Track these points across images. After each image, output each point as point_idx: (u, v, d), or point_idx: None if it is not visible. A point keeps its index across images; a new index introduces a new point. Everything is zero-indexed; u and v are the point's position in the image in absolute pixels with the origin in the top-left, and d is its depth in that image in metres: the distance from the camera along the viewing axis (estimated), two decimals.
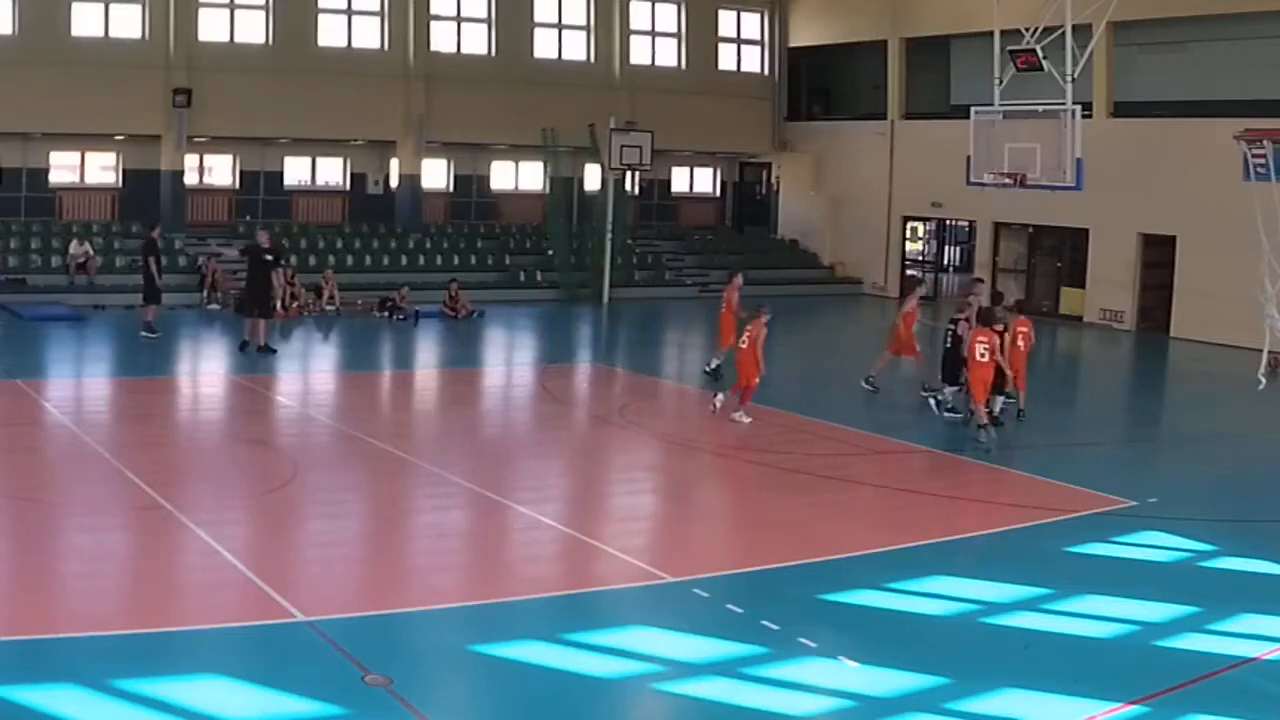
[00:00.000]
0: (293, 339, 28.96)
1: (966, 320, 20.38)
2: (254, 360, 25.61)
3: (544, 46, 41.77)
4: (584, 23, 42.34)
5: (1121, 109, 35.64)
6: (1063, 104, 27.05)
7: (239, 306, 29.54)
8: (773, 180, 46.86)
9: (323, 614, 11.38)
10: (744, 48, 45.75)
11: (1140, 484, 17.44)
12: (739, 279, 24.88)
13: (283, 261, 30.20)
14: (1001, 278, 39.70)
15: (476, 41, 40.74)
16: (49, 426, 19.46)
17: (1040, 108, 28.03)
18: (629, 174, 39.77)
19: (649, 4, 43.72)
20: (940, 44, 40.76)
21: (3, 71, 33.00)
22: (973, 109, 29.64)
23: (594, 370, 28.25)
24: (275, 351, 26.68)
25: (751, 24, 45.77)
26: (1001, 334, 19.62)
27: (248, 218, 38.38)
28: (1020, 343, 20.45)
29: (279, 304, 29.88)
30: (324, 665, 10.40)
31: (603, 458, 19.38)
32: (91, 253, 33.82)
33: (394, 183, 40.13)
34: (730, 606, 12.03)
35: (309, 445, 19.31)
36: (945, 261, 45.78)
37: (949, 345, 21.15)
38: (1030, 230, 39.09)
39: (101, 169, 37.57)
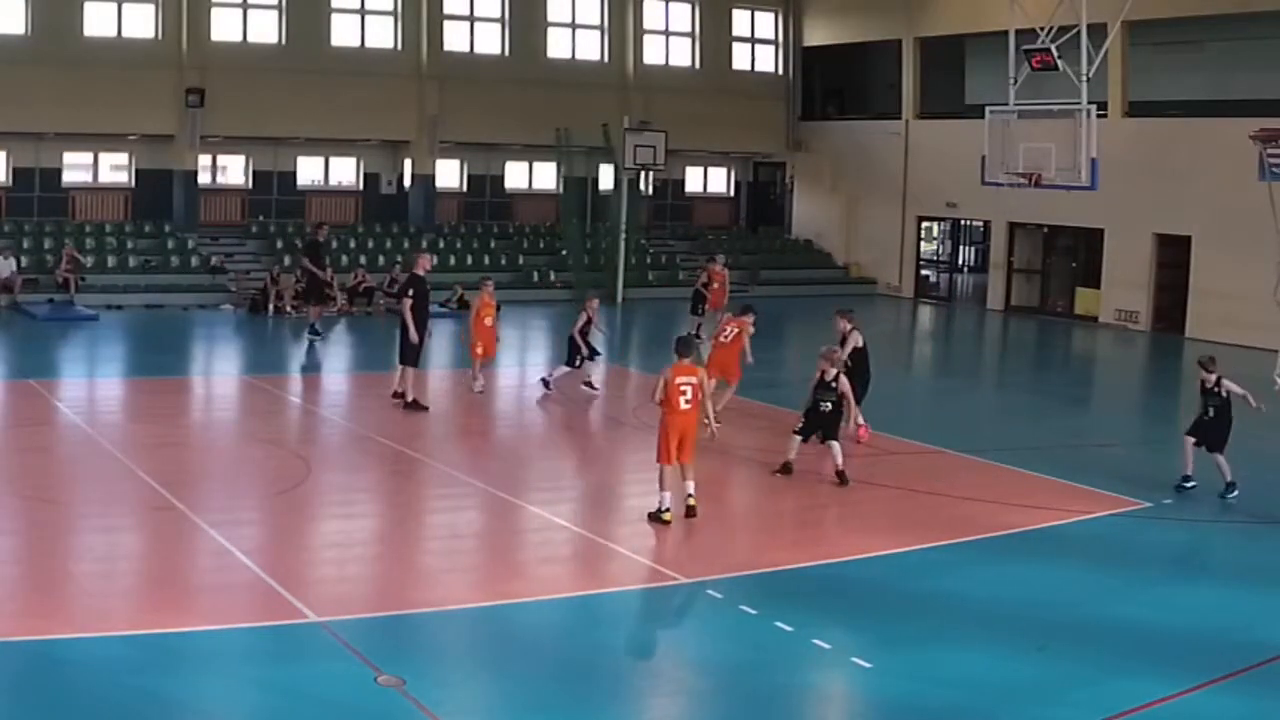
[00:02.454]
0: (305, 337, 28.85)
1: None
2: (274, 357, 25.63)
3: (557, 46, 41.75)
4: (598, 22, 42.31)
5: (1136, 108, 35.51)
6: (1078, 103, 26.98)
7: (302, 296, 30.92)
8: (787, 180, 46.77)
9: (335, 614, 11.36)
10: (758, 47, 45.68)
11: (1156, 485, 17.35)
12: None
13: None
14: (1016, 278, 39.65)
15: (490, 41, 40.72)
16: (62, 426, 19.46)
17: (1055, 107, 27.97)
18: (643, 174, 39.72)
19: (663, 4, 43.67)
20: (955, 43, 40.65)
21: (15, 72, 33.03)
22: (988, 108, 29.60)
23: (608, 370, 28.17)
24: (320, 334, 28.22)
25: (765, 23, 45.70)
26: None
27: (261, 218, 38.45)
28: None
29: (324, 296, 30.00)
30: (336, 666, 10.38)
31: (616, 458, 19.34)
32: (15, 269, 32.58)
33: (407, 183, 40.13)
34: (744, 608, 11.98)
35: (322, 445, 19.31)
36: (960, 262, 45.73)
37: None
38: (1045, 230, 38.99)
39: (114, 169, 37.60)
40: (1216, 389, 17.24)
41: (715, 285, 31.24)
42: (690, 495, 14.91)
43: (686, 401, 14.83)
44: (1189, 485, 17.16)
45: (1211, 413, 17.23)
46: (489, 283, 23.55)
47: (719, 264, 32.07)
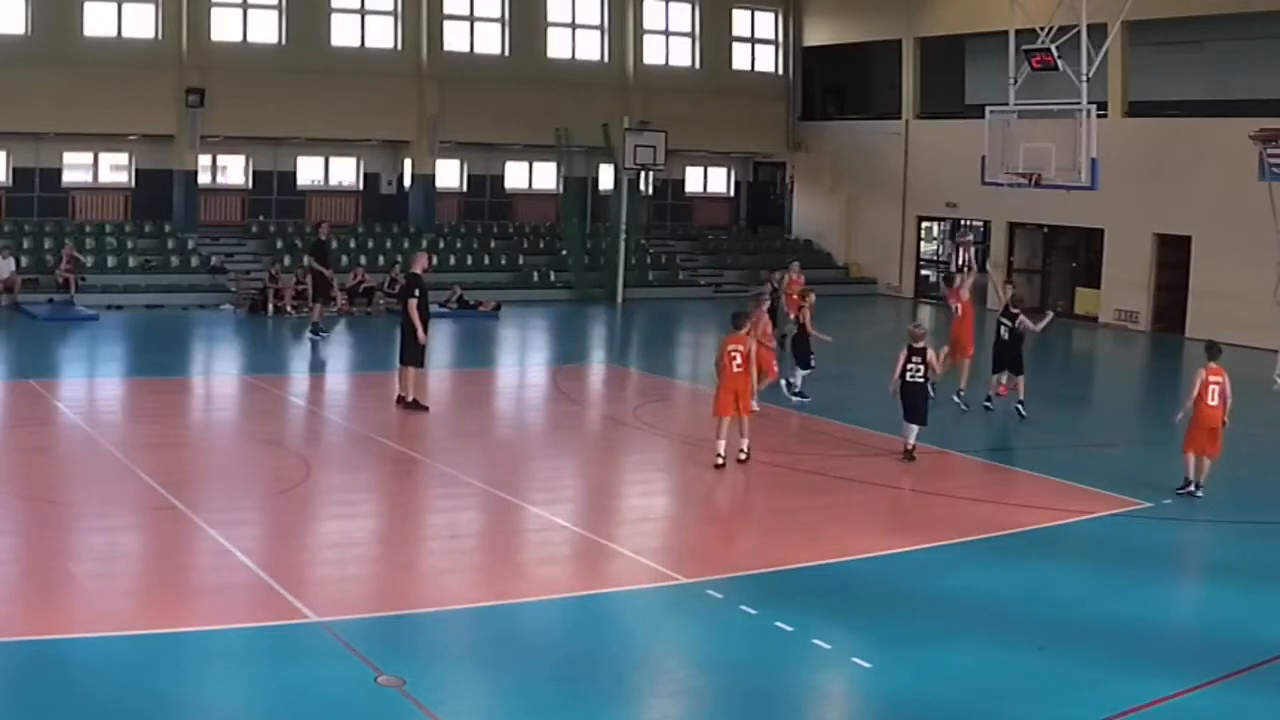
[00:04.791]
0: (306, 337, 28.80)
1: None
2: (274, 357, 25.62)
3: (557, 46, 41.73)
4: (597, 22, 42.30)
5: (1136, 108, 35.51)
6: (1078, 103, 26.94)
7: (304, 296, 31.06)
8: (787, 180, 46.77)
9: (335, 614, 11.36)
10: (758, 47, 45.67)
11: (1156, 486, 17.34)
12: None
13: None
14: (1016, 278, 39.61)
15: (490, 41, 40.71)
16: (62, 426, 19.45)
17: (1055, 107, 27.94)
18: (643, 174, 39.71)
19: (663, 3, 43.64)
20: (955, 43, 40.65)
21: (15, 72, 33.01)
22: (987, 108, 29.56)
23: (608, 370, 28.20)
24: (323, 333, 28.35)
25: (765, 23, 45.70)
26: None
27: (261, 218, 38.46)
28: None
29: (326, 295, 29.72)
30: (337, 666, 10.38)
31: (616, 458, 19.33)
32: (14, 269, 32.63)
33: (407, 183, 40.11)
34: (744, 608, 11.98)
35: (322, 445, 19.30)
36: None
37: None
38: (1045, 230, 38.99)
39: (114, 169, 37.56)
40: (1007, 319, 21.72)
41: (795, 294, 27.88)
42: (742, 450, 17.68)
43: (737, 366, 17.42)
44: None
45: (1006, 336, 21.80)
46: (765, 302, 22.37)
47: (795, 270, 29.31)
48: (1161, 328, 35.09)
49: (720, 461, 17.36)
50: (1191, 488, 16.73)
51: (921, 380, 18.31)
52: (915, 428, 18.37)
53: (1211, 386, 16.78)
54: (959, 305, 22.91)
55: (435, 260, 28.95)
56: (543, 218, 42.33)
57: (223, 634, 10.99)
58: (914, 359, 18.28)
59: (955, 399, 22.17)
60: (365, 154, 40.33)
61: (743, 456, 17.69)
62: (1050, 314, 23.85)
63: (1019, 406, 21.75)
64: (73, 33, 34.50)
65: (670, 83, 42.76)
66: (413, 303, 20.78)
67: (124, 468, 16.42)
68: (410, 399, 20.81)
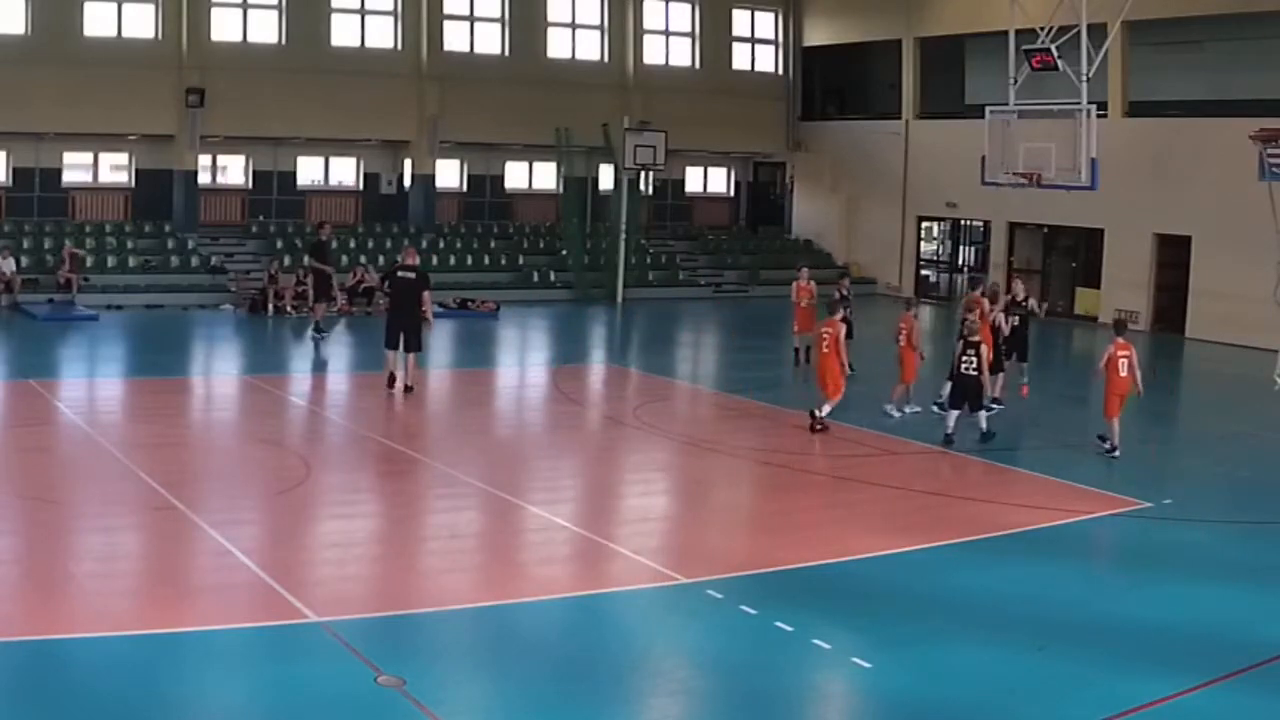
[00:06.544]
0: (307, 337, 28.79)
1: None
2: (274, 357, 25.63)
3: (557, 46, 41.75)
4: (598, 22, 42.31)
5: (1137, 108, 35.51)
6: (1078, 103, 26.95)
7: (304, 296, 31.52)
8: (787, 180, 46.78)
9: (335, 614, 11.36)
10: (758, 47, 45.69)
11: (1156, 486, 17.36)
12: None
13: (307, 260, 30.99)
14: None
15: (490, 41, 40.72)
16: (62, 426, 19.45)
17: (1055, 107, 27.95)
18: (643, 174, 39.74)
19: (663, 3, 43.67)
20: (955, 43, 40.65)
21: (15, 72, 33.02)
22: (988, 108, 29.55)
23: (608, 370, 28.19)
24: (324, 333, 28.51)
25: (766, 23, 45.72)
26: None
27: (261, 218, 38.46)
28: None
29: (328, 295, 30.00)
30: (337, 666, 10.38)
31: (616, 458, 19.33)
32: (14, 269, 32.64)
33: (407, 183, 40.11)
34: (744, 608, 11.98)
35: (322, 445, 19.30)
36: (960, 262, 45.70)
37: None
38: (1045, 230, 38.99)
39: (114, 169, 37.57)
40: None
41: (804, 303, 26.80)
42: (813, 413, 19.88)
43: (826, 347, 19.88)
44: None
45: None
46: (913, 312, 22.59)
47: (804, 277, 27.43)
48: (1161, 328, 35.08)
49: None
50: (1117, 451, 18.61)
51: (975, 373, 19.23)
52: (955, 413, 19.33)
53: (1120, 360, 18.59)
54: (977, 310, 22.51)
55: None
56: (543, 218, 42.34)
57: (223, 634, 10.99)
58: (969, 351, 19.25)
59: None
60: (365, 154, 40.33)
61: (810, 420, 19.78)
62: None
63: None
64: (73, 33, 34.51)
65: (670, 83, 42.76)
66: (427, 294, 22.40)
67: (124, 468, 16.42)
68: (409, 384, 21.88)
